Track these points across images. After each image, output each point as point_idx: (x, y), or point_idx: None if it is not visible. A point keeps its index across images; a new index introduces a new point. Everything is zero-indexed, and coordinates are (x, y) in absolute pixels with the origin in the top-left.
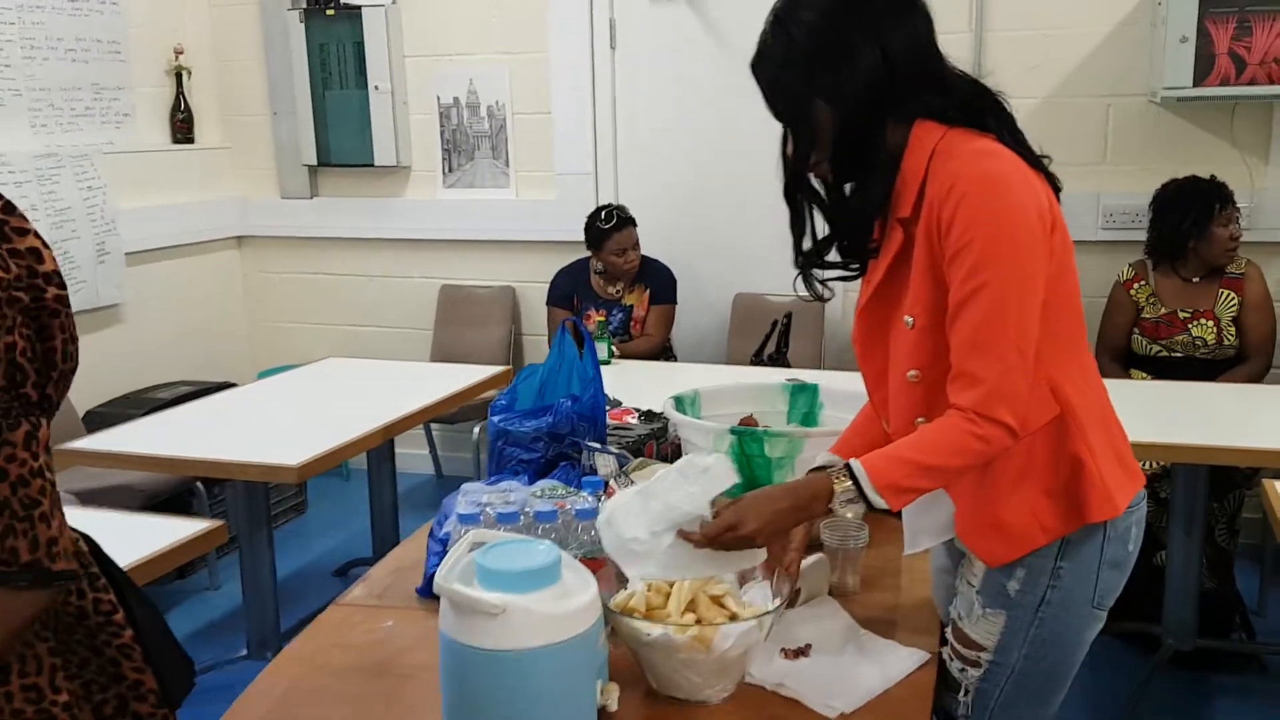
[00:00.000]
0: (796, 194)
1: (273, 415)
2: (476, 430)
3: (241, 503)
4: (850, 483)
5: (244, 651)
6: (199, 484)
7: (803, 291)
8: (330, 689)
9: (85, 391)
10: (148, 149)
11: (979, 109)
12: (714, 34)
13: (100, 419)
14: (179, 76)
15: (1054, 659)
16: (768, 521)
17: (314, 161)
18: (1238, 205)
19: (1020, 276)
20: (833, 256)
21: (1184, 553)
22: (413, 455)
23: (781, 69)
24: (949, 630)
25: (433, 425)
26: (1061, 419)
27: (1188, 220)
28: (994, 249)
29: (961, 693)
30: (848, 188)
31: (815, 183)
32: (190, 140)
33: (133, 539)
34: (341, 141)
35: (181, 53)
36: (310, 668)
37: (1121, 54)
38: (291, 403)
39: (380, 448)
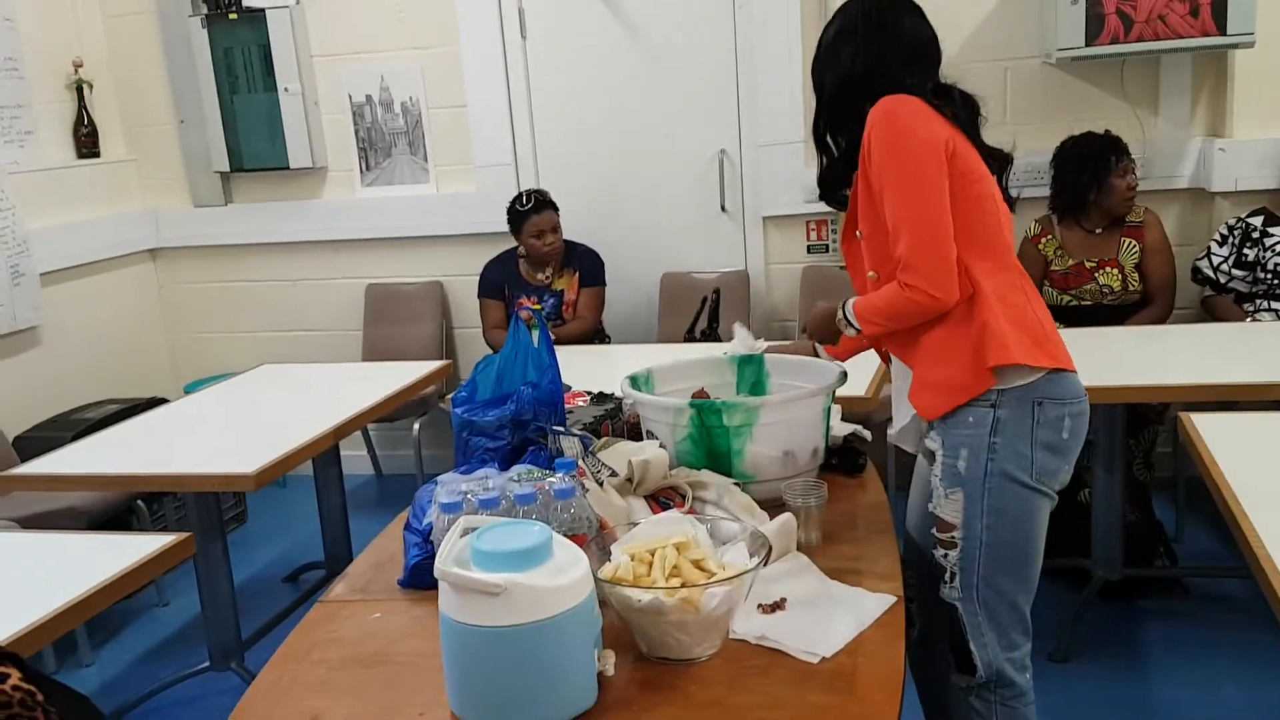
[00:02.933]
0: (821, 138)
1: (214, 427)
2: (417, 426)
3: (193, 514)
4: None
5: (206, 663)
6: (139, 502)
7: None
8: (332, 681)
9: (11, 417)
10: (53, 166)
11: (950, 104)
12: (622, 20)
13: (31, 443)
14: (80, 90)
15: (1012, 528)
16: (815, 321)
17: (226, 168)
18: (1132, 156)
19: (916, 177)
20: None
21: (1106, 488)
22: (351, 456)
23: (816, 59)
24: (933, 529)
25: (369, 425)
26: (973, 297)
27: (1086, 174)
28: (893, 160)
29: (947, 577)
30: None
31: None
32: (96, 154)
33: (95, 561)
34: (253, 146)
35: (81, 66)
36: (307, 664)
37: (1015, 18)
38: (231, 413)
39: (326, 452)
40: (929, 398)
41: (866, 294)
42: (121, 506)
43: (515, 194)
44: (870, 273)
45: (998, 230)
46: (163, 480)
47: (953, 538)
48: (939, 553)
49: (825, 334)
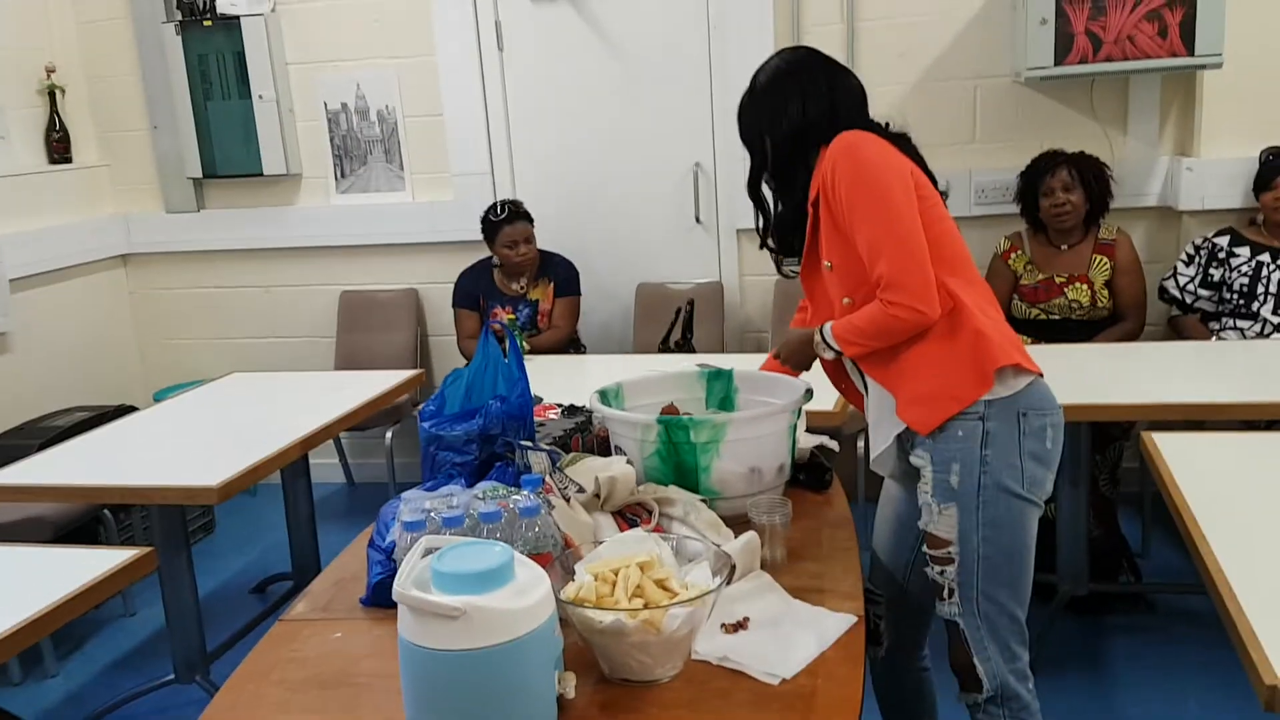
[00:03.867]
0: (757, 194)
1: (183, 436)
2: (389, 435)
3: (158, 526)
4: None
5: (171, 675)
6: (106, 512)
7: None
8: (292, 702)
9: None
10: (24, 171)
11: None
12: (598, 32)
13: None
14: (52, 95)
15: (1007, 540)
16: (790, 347)
17: (199, 174)
18: (1071, 172)
19: (888, 200)
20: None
21: (1072, 504)
22: (322, 465)
23: (742, 112)
24: (924, 545)
25: (341, 434)
26: (954, 310)
27: (1029, 192)
28: (862, 187)
29: (946, 594)
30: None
31: (766, 192)
32: (68, 160)
33: (59, 573)
34: (227, 152)
35: (54, 71)
36: (267, 683)
37: (985, 37)
38: (200, 422)
39: (295, 462)
40: (922, 411)
41: (843, 317)
42: (89, 516)
43: (490, 204)
44: (845, 299)
45: (963, 248)
46: (126, 492)
47: (948, 553)
48: (933, 570)
49: (801, 360)
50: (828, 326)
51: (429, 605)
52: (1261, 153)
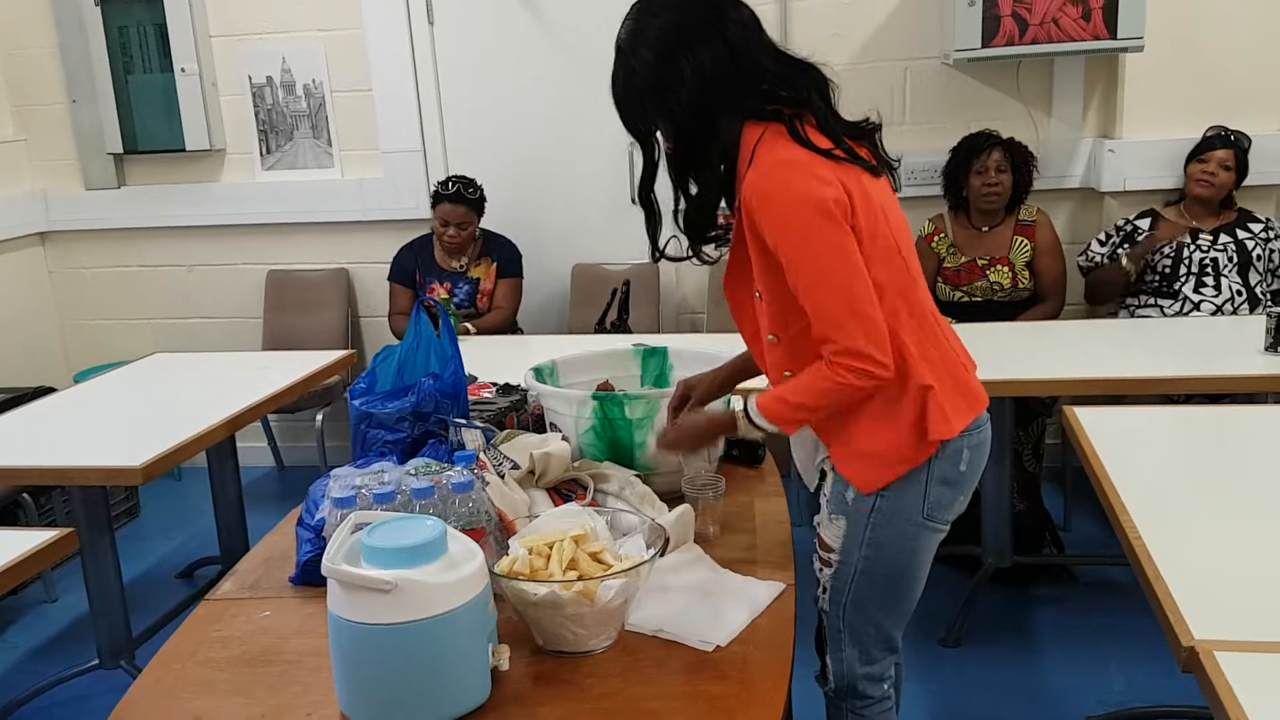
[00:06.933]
0: (648, 197)
1: (103, 417)
2: (320, 417)
3: (80, 509)
4: (746, 418)
5: (95, 660)
6: (25, 495)
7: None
8: (218, 681)
9: None
10: None
11: (804, 90)
12: (532, 7)
13: None
14: None
15: (891, 562)
16: (688, 435)
17: (119, 149)
18: (1004, 154)
19: (822, 258)
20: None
21: (996, 479)
22: (251, 448)
23: (624, 98)
24: (815, 540)
25: (269, 416)
26: (903, 361)
27: (958, 169)
28: (792, 246)
29: (820, 589)
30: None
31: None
32: None
33: None
34: (148, 127)
35: None
36: (193, 663)
37: (915, 19)
38: (121, 403)
39: (221, 444)
40: (867, 470)
41: (775, 387)
42: (8, 500)
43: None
44: (770, 336)
45: (906, 275)
46: (46, 474)
47: (829, 559)
48: (815, 564)
49: (699, 445)
50: (753, 404)
51: (359, 579)
52: (1208, 129)
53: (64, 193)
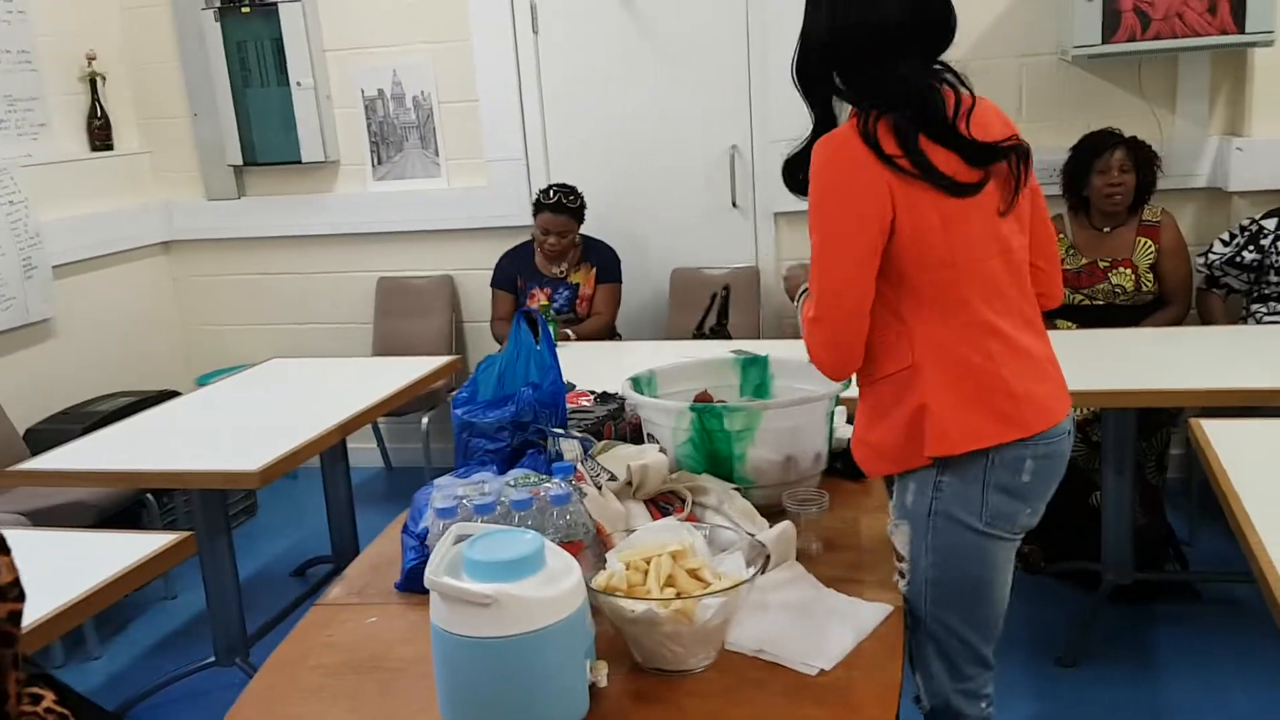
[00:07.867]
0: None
1: (223, 421)
2: (425, 420)
3: (199, 511)
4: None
5: (211, 657)
6: (149, 495)
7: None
8: (326, 687)
9: (22, 409)
10: (67, 159)
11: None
12: (633, 14)
13: (41, 436)
14: (93, 83)
15: (958, 570)
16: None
17: (239, 161)
18: (1128, 154)
19: (830, 245)
20: None
21: (1117, 492)
22: (360, 449)
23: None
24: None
25: (379, 418)
26: (913, 369)
27: (1079, 168)
28: (815, 222)
29: (903, 601)
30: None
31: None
32: (109, 147)
33: (100, 557)
34: (266, 139)
35: (94, 59)
36: (302, 668)
37: (1032, 14)
38: (240, 407)
39: (333, 447)
40: (868, 457)
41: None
42: (131, 500)
43: (549, 184)
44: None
45: (955, 291)
46: (167, 477)
47: (903, 568)
48: (894, 576)
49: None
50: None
51: (460, 592)
52: None
53: (186, 203)
